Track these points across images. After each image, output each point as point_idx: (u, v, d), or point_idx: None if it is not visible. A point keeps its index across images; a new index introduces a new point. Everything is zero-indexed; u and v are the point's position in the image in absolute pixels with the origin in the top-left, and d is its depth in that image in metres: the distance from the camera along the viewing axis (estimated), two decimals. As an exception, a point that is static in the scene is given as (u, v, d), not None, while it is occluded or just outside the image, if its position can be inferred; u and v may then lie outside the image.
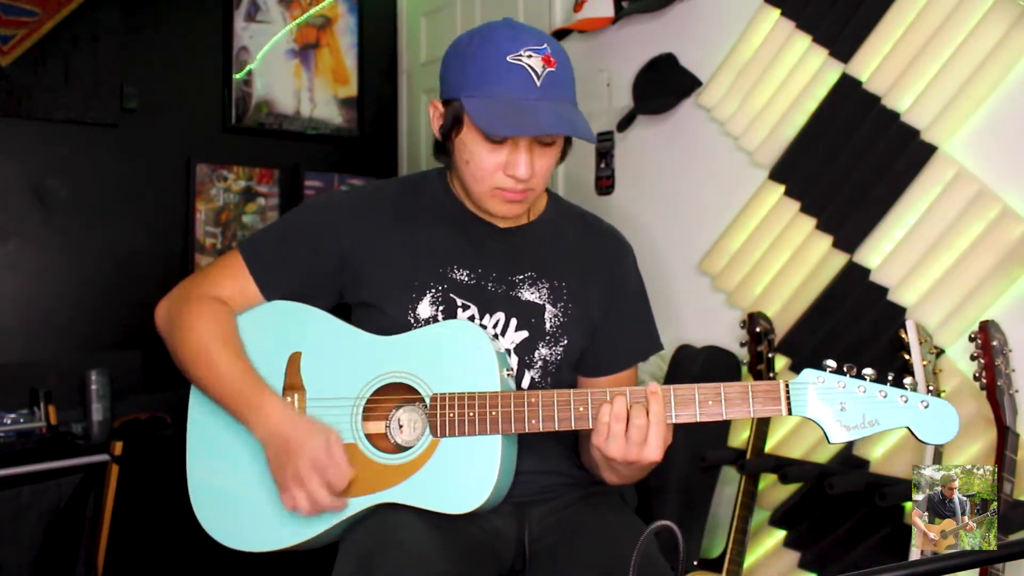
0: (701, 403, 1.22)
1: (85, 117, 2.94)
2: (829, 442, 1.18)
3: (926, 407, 1.16)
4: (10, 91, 2.80)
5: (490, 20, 1.39)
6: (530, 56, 1.28)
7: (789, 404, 1.19)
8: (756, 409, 1.20)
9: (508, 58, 1.28)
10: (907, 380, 1.18)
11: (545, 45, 1.30)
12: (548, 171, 1.37)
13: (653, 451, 1.23)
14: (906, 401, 1.16)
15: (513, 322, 1.42)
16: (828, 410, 1.18)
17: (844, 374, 1.19)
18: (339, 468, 1.31)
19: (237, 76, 3.29)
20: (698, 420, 1.22)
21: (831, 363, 1.19)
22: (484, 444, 1.29)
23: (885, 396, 1.17)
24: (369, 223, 1.43)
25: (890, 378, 1.18)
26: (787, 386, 1.20)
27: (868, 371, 1.18)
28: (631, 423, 1.22)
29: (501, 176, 1.33)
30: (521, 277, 1.44)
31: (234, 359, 1.39)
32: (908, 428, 1.16)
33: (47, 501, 2.31)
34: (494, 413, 1.28)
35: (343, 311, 1.48)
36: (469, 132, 1.32)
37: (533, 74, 1.28)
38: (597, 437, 1.25)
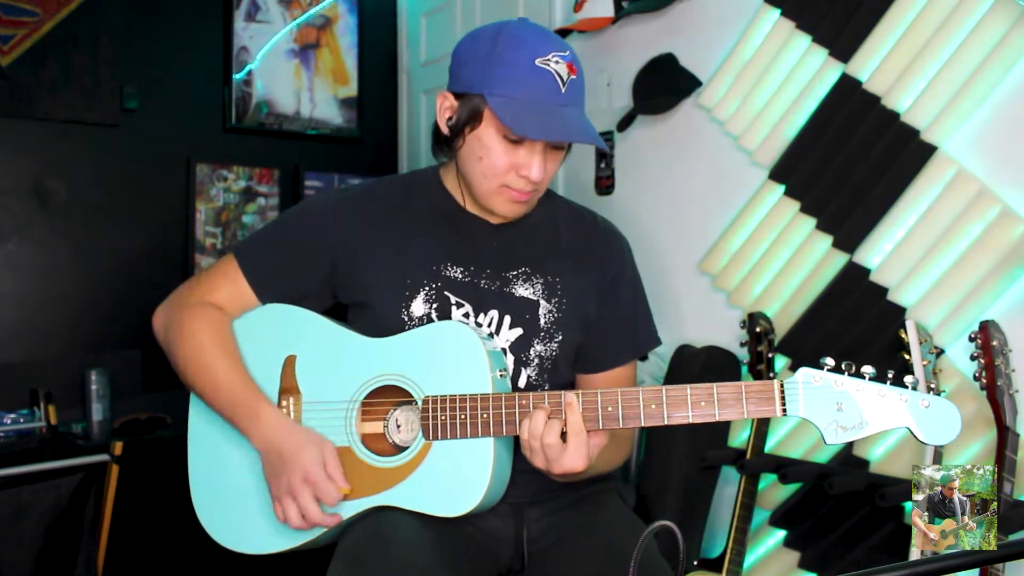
0: (694, 404, 1.19)
1: (85, 117, 2.94)
2: (825, 443, 1.14)
3: (927, 407, 1.12)
4: (10, 91, 2.80)
5: (493, 20, 1.38)
6: (557, 62, 1.29)
7: (784, 404, 1.16)
8: (750, 410, 1.18)
9: (536, 61, 1.28)
10: (908, 378, 1.13)
11: (569, 52, 1.31)
12: (553, 174, 1.39)
13: (572, 461, 1.23)
14: (906, 401, 1.12)
15: (507, 319, 1.42)
16: (824, 410, 1.14)
17: (842, 372, 1.15)
18: (331, 484, 1.31)
19: (237, 76, 3.29)
20: (691, 422, 1.20)
21: (829, 361, 1.15)
22: (477, 447, 1.29)
23: (884, 396, 1.13)
24: (360, 222, 1.43)
25: (890, 376, 1.14)
26: (782, 386, 1.16)
27: (867, 369, 1.14)
28: (543, 442, 1.23)
29: (513, 176, 1.33)
30: (515, 273, 1.43)
31: (231, 367, 1.39)
32: (908, 429, 1.12)
33: (47, 501, 2.32)
34: (485, 416, 1.28)
35: (339, 312, 1.48)
36: (487, 129, 1.32)
37: (559, 80, 1.29)
38: (523, 450, 1.27)
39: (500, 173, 1.34)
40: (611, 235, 1.52)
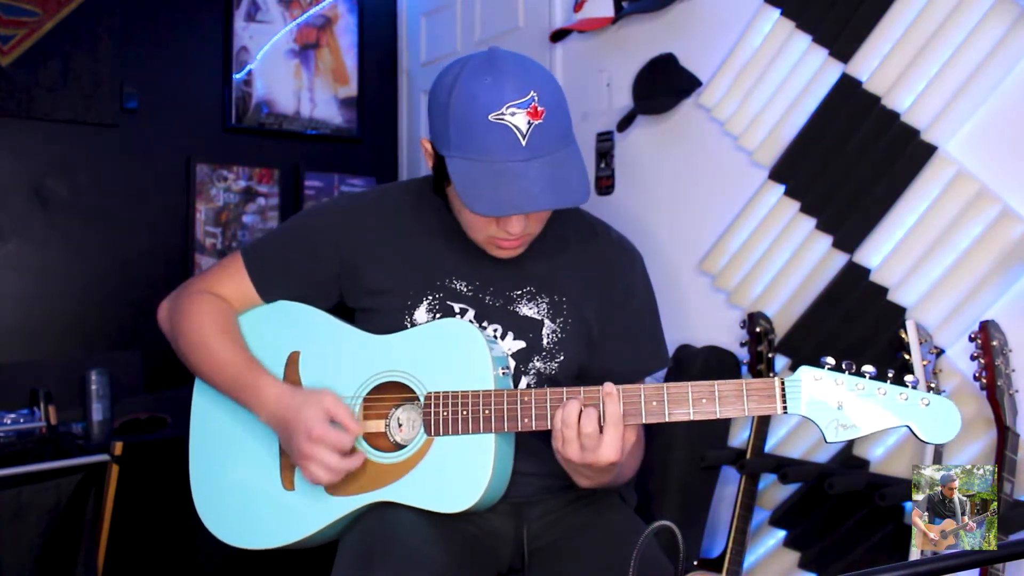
0: (695, 401, 1.19)
1: (85, 117, 2.94)
2: (826, 441, 1.14)
3: (927, 405, 1.12)
4: (10, 91, 2.80)
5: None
6: (513, 113, 1.20)
7: (784, 402, 1.16)
8: (751, 407, 1.17)
9: (490, 117, 1.20)
10: (908, 377, 1.14)
11: (531, 94, 1.21)
12: (547, 217, 1.35)
13: (608, 453, 1.20)
14: (906, 399, 1.12)
15: (510, 335, 1.41)
16: (825, 409, 1.14)
17: (843, 371, 1.15)
18: (338, 433, 1.30)
19: (237, 76, 3.29)
20: (692, 419, 1.19)
21: (829, 360, 1.15)
22: (478, 443, 1.29)
23: (884, 394, 1.13)
24: (368, 231, 1.43)
25: (890, 375, 1.14)
26: (783, 383, 1.16)
27: (868, 368, 1.14)
28: (580, 431, 1.21)
29: (495, 229, 1.31)
30: (519, 292, 1.42)
31: (232, 346, 1.40)
32: (908, 427, 1.12)
33: (47, 501, 2.31)
34: (487, 412, 1.28)
35: (345, 310, 1.48)
36: (455, 190, 1.25)
37: (518, 134, 1.20)
38: (554, 442, 1.24)
39: (481, 229, 1.32)
40: (623, 251, 1.49)
